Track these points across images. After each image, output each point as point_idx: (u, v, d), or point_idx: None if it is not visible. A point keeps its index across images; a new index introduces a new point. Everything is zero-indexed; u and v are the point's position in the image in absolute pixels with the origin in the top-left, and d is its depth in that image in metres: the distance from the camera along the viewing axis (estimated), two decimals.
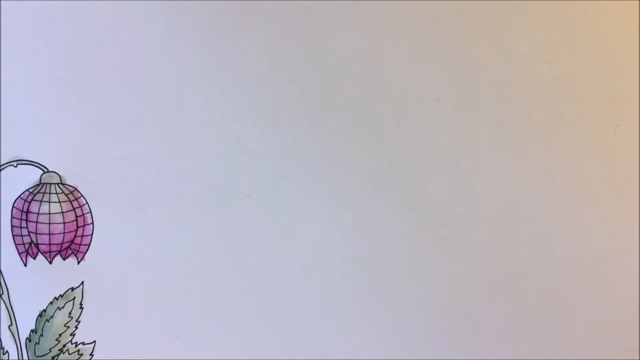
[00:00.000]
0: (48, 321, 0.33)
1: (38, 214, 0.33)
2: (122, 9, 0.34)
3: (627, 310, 0.34)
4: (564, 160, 0.34)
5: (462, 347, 0.32)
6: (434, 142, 0.34)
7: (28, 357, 0.33)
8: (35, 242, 0.33)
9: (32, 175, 0.33)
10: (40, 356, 0.33)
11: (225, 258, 0.34)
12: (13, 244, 0.33)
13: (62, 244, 0.33)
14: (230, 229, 0.34)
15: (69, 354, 0.33)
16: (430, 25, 0.34)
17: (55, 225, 0.33)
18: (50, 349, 0.33)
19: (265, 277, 0.34)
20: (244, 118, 0.34)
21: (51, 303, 0.33)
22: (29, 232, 0.33)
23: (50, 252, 0.33)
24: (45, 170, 0.33)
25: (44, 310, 0.33)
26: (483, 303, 0.34)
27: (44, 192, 0.33)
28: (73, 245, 0.33)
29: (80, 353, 0.34)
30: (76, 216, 0.33)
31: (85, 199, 0.34)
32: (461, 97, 0.35)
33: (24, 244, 0.33)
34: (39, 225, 0.33)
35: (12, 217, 0.33)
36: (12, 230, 0.33)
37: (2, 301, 0.33)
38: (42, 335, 0.33)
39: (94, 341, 0.34)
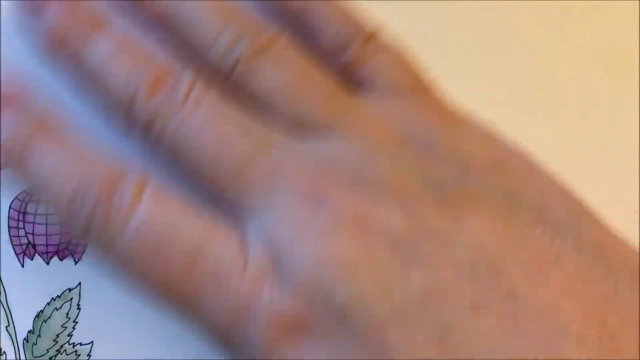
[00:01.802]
0: (45, 322, 0.33)
1: (35, 214, 0.33)
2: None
3: None
4: (558, 159, 0.34)
5: None
6: None
7: (26, 357, 0.33)
8: (32, 242, 0.33)
9: None
10: (37, 357, 0.33)
11: None
12: (10, 245, 0.33)
13: (59, 244, 0.33)
14: None
15: (67, 355, 0.33)
16: (433, 22, 0.34)
17: (52, 226, 0.33)
18: (47, 350, 0.33)
19: None
20: None
21: (48, 304, 0.33)
22: (26, 233, 0.33)
23: (47, 252, 0.33)
24: None
25: (42, 311, 0.33)
26: None
27: None
28: (70, 246, 0.33)
29: (77, 354, 0.34)
30: None
31: None
32: (455, 96, 0.35)
33: (21, 244, 0.33)
34: (36, 226, 0.33)
35: (9, 217, 0.33)
36: (9, 231, 0.33)
37: None
38: (39, 336, 0.33)
39: (92, 342, 0.34)
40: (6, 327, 0.33)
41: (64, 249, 0.33)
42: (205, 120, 0.25)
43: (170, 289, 0.25)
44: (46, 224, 0.33)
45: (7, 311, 0.33)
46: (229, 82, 0.27)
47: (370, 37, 0.29)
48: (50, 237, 0.33)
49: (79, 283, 0.34)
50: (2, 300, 0.33)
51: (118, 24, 0.28)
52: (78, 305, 0.34)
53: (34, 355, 0.33)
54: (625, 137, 0.34)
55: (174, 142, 0.26)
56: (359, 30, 0.29)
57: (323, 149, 0.26)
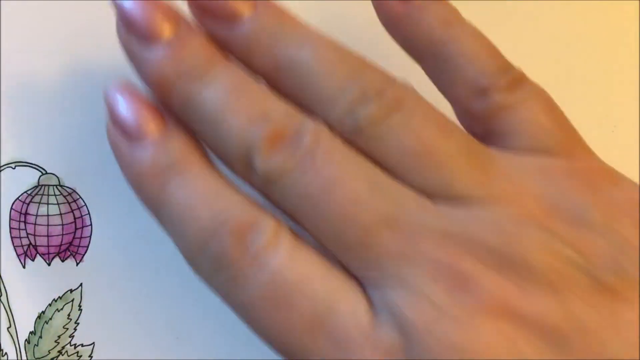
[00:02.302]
0: (47, 323, 0.33)
1: (36, 215, 0.33)
2: None
3: None
4: None
5: None
6: None
7: (27, 359, 0.33)
8: (33, 243, 0.33)
9: (30, 177, 0.33)
10: (39, 358, 0.33)
11: None
12: (11, 246, 0.33)
13: (60, 245, 0.33)
14: None
15: (68, 356, 0.33)
16: None
17: (53, 227, 0.33)
18: (49, 351, 0.33)
19: None
20: None
21: (50, 305, 0.33)
22: (27, 234, 0.33)
23: (48, 253, 0.33)
24: (44, 172, 0.33)
25: (43, 312, 0.33)
26: None
27: (43, 194, 0.33)
28: (71, 247, 0.33)
29: (79, 355, 0.34)
30: (75, 218, 0.33)
31: (84, 201, 0.34)
32: None
33: (22, 245, 0.33)
34: (37, 227, 0.33)
35: (10, 219, 0.33)
36: (10, 232, 0.33)
37: (1, 303, 0.33)
38: (41, 337, 0.33)
39: (93, 343, 0.34)
40: (7, 328, 0.33)
41: (65, 250, 0.33)
42: (329, 179, 0.23)
43: (290, 344, 0.23)
44: (47, 225, 0.33)
45: (9, 312, 0.33)
46: (351, 142, 0.24)
47: (518, 80, 0.26)
48: (52, 238, 0.33)
49: (81, 284, 0.34)
50: (3, 301, 0.33)
51: (233, 64, 0.25)
52: (79, 306, 0.34)
53: (36, 357, 0.33)
54: (624, 137, 0.34)
55: (295, 202, 0.23)
56: (504, 70, 0.26)
57: (461, 219, 0.23)
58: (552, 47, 0.34)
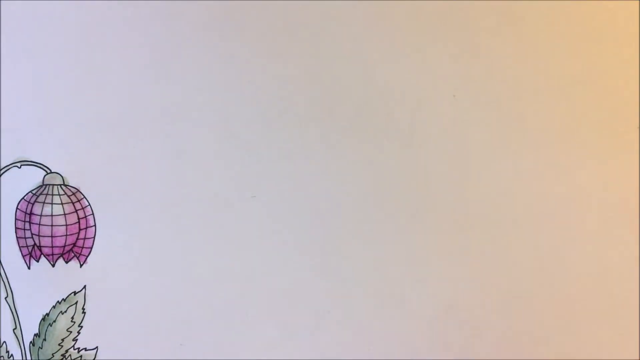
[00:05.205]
0: (51, 325, 0.33)
1: (41, 215, 0.33)
2: (125, 8, 0.33)
3: (627, 310, 0.31)
4: (584, 158, 0.32)
5: (461, 348, 0.30)
6: (449, 140, 0.32)
7: None
8: (38, 244, 0.33)
9: (36, 177, 0.33)
10: None
11: (230, 261, 0.33)
12: (17, 247, 0.33)
13: (64, 246, 0.33)
14: (236, 231, 0.33)
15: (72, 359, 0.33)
16: (445, 20, 0.32)
17: (57, 228, 0.33)
18: (53, 354, 0.33)
19: (270, 281, 0.33)
20: (249, 118, 0.33)
21: (54, 307, 0.33)
22: (32, 234, 0.33)
23: (52, 254, 0.33)
24: (48, 171, 0.33)
25: (47, 314, 0.33)
26: (483, 305, 0.32)
27: (47, 194, 0.33)
28: (75, 248, 0.33)
29: (83, 359, 0.33)
30: (78, 218, 0.33)
31: (88, 201, 0.33)
32: (478, 92, 0.32)
33: (27, 246, 0.33)
34: (41, 227, 0.33)
35: (16, 219, 0.33)
36: (16, 232, 0.33)
37: (7, 304, 0.33)
38: (45, 339, 0.33)
39: (96, 347, 0.33)
40: (13, 329, 0.33)
41: (69, 251, 0.33)
42: None
43: None
44: (51, 226, 0.32)
45: (15, 313, 0.33)
46: None
47: None
48: (56, 239, 0.33)
49: (84, 286, 0.33)
50: (9, 302, 0.33)
51: None
52: (83, 309, 0.33)
53: (40, 359, 0.33)
54: (625, 137, 0.32)
55: None
56: None
57: None
58: (575, 43, 0.32)
